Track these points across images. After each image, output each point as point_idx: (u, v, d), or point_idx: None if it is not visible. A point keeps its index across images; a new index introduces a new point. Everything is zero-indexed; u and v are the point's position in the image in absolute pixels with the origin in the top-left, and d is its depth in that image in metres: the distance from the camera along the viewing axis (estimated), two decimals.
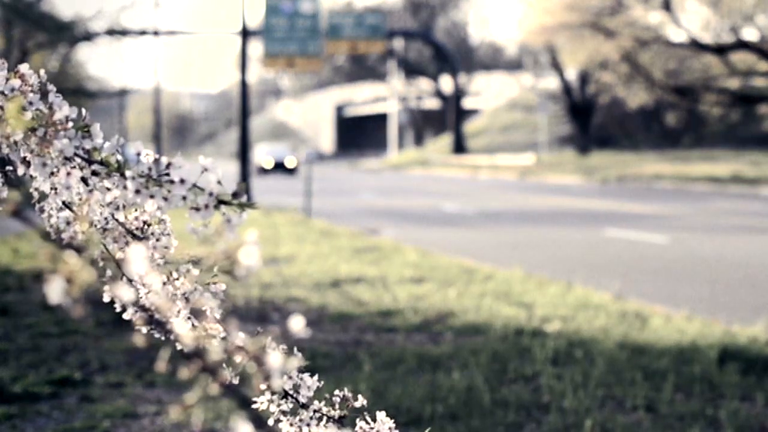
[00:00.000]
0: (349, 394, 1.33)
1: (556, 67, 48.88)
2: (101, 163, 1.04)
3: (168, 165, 1.00)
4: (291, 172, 47.58)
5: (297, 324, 0.75)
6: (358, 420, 1.26)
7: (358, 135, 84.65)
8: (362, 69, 75.45)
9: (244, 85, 22.17)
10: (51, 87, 1.16)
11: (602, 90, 43.30)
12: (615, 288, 8.49)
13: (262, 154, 49.65)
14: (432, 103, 69.08)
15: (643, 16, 37.12)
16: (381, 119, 76.77)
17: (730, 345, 5.79)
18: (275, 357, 0.71)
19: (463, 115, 60.42)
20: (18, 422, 4.63)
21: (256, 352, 0.71)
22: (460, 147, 57.10)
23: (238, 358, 0.71)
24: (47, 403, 4.92)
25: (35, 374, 5.40)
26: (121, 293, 0.68)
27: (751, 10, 34.40)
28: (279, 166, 47.97)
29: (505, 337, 6.28)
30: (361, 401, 1.30)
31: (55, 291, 0.71)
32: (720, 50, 35.11)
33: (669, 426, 4.52)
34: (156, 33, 38.51)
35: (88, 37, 28.27)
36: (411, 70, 65.50)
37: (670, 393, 4.95)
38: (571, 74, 49.23)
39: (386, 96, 70.67)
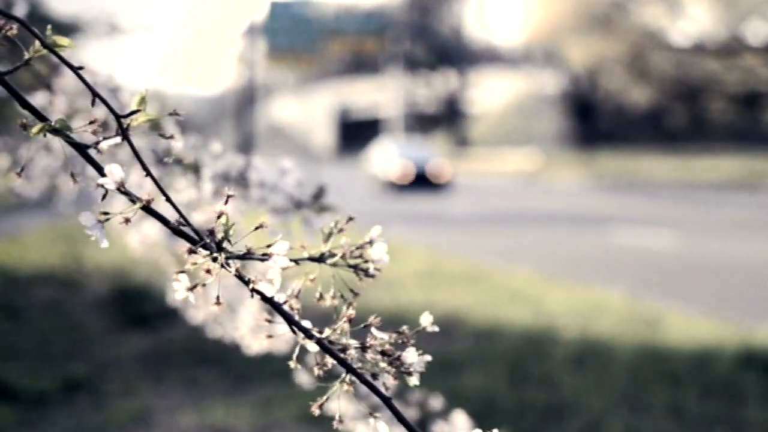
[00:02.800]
0: (425, 396, 1.30)
1: (560, 66, 48.89)
2: (176, 162, 1.02)
3: (246, 165, 0.98)
4: (438, 188, 25.93)
5: (426, 319, 0.73)
6: (433, 421, 1.24)
7: (359, 134, 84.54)
8: (363, 67, 75.42)
9: (250, 81, 22.17)
10: (120, 83, 1.13)
11: (607, 90, 43.32)
12: (628, 290, 8.46)
13: (391, 157, 27.33)
14: (433, 102, 69.14)
15: (649, 16, 37.15)
16: (382, 118, 76.80)
17: (750, 347, 5.76)
18: (412, 354, 0.69)
19: (464, 114, 60.45)
20: (29, 424, 4.60)
21: (391, 349, 0.69)
22: (461, 146, 57.14)
23: (369, 355, 0.69)
24: (59, 405, 4.89)
25: (46, 375, 5.35)
26: (263, 288, 0.65)
27: (761, 10, 34.40)
28: (420, 179, 26.09)
29: (522, 340, 6.25)
30: (438, 402, 1.28)
31: (180, 286, 0.69)
32: (725, 52, 35.14)
33: (693, 430, 4.49)
34: (155, 31, 38.56)
35: (83, 30, 28.32)
36: (412, 68, 65.57)
37: (692, 396, 4.92)
38: (575, 74, 49.23)
39: (387, 95, 70.70)
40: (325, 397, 0.69)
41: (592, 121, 49.42)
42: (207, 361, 5.58)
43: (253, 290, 0.65)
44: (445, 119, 63.27)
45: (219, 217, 0.64)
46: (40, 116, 0.72)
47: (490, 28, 62.09)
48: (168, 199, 0.66)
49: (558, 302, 7.64)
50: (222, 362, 5.47)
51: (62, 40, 0.74)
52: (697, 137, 44.96)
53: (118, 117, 0.68)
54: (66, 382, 5.24)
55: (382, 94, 74.13)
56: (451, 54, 56.28)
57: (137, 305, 7.05)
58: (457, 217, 18.67)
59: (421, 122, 73.28)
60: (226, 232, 0.63)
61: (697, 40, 35.94)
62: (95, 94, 0.70)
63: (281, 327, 1.27)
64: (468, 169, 47.25)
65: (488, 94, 67.74)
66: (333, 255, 0.72)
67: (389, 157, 27.31)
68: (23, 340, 6.28)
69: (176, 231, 0.66)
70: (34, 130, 0.71)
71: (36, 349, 6.05)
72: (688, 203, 22.30)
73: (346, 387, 0.70)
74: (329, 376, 0.98)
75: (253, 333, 1.27)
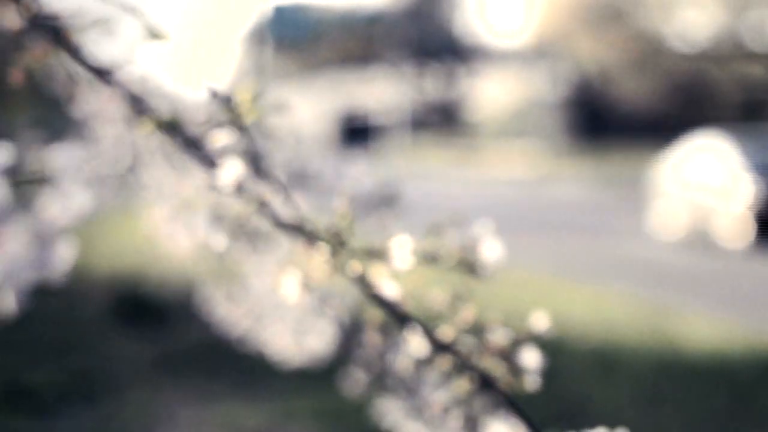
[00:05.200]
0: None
1: (564, 68, 48.87)
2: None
3: (320, 162, 0.97)
4: None
5: (540, 322, 0.72)
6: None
7: (360, 133, 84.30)
8: (364, 66, 75.36)
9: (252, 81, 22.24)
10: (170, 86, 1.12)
11: (612, 92, 43.31)
12: (643, 295, 8.39)
13: (731, 171, 12.37)
14: (434, 103, 69.11)
15: (655, 19, 37.19)
16: (382, 117, 76.69)
17: None
18: (530, 356, 0.68)
19: (467, 114, 60.39)
20: (41, 427, 4.58)
21: (507, 349, 0.68)
22: (464, 147, 57.12)
23: (484, 357, 0.67)
24: (67, 407, 4.86)
25: (55, 377, 5.32)
26: (385, 289, 0.64)
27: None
28: None
29: (538, 342, 6.21)
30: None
31: (291, 286, 0.68)
32: (731, 56, 35.19)
33: None
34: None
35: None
36: (415, 68, 65.54)
37: (713, 400, 4.89)
38: (579, 76, 49.20)
39: (388, 94, 70.66)
40: (446, 402, 0.68)
41: (596, 123, 49.39)
42: (221, 359, 5.56)
43: (372, 295, 0.63)
44: (447, 120, 63.18)
45: (340, 215, 0.62)
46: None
47: (494, 30, 62.06)
48: (287, 200, 0.65)
49: (570, 305, 7.60)
50: (236, 360, 5.45)
51: (162, 32, 0.73)
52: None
53: (235, 117, 0.67)
54: (76, 383, 5.21)
55: (383, 93, 74.01)
56: (453, 54, 56.24)
57: (147, 305, 7.04)
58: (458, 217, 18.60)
59: (422, 122, 73.23)
60: (349, 230, 0.62)
61: (703, 43, 35.94)
62: (211, 93, 0.69)
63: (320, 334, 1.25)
64: (471, 171, 47.23)
65: (491, 94, 67.59)
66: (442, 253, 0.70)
67: (724, 170, 13.76)
68: (33, 341, 6.27)
69: (295, 228, 0.64)
70: (147, 126, 0.69)
71: (47, 350, 6.03)
72: None
73: (463, 387, 0.69)
74: (374, 382, 0.96)
75: (297, 342, 1.25)
